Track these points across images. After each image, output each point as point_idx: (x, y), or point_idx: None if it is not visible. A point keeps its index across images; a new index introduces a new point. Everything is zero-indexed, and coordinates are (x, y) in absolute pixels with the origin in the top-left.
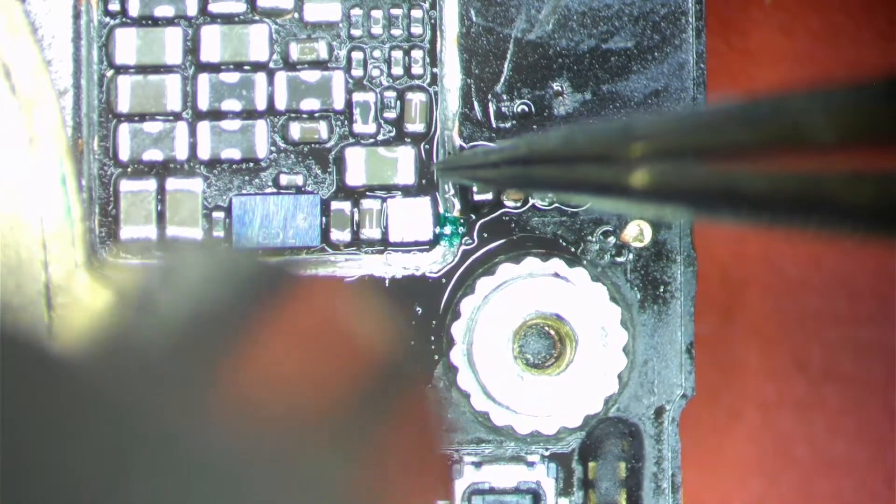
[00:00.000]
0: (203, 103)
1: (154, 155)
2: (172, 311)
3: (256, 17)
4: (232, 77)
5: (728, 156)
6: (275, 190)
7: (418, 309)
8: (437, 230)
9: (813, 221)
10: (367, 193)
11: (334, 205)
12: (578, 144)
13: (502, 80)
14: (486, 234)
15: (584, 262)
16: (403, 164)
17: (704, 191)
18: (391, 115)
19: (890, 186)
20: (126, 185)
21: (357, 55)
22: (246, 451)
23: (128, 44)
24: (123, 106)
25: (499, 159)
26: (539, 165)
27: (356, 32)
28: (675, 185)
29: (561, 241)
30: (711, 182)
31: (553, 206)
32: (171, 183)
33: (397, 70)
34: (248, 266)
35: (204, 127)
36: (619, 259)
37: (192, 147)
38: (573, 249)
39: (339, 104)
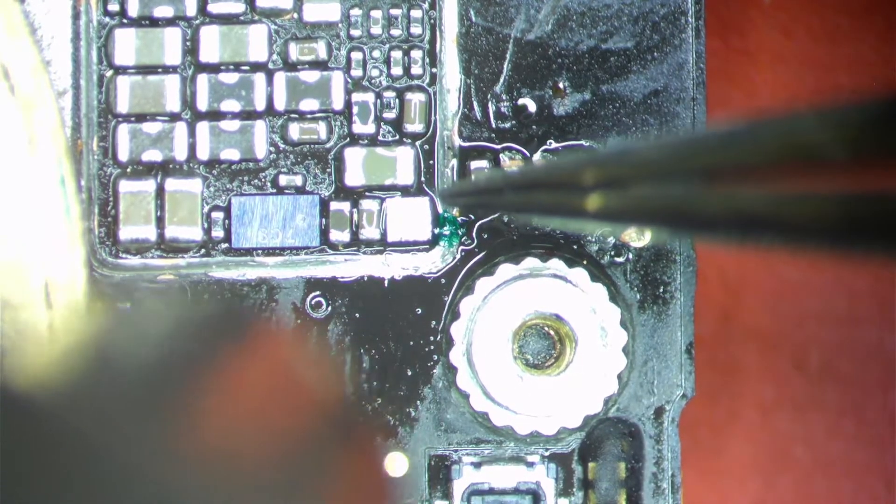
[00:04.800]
0: (202, 104)
1: (153, 155)
2: (134, 355)
3: (255, 18)
4: (231, 77)
5: (660, 180)
6: (274, 190)
7: (418, 309)
8: (436, 230)
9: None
10: (366, 193)
11: (333, 205)
12: (543, 174)
13: (502, 80)
14: (485, 235)
15: (584, 262)
16: (402, 164)
17: (655, 211)
18: (390, 115)
19: (828, 205)
20: (125, 186)
21: (356, 55)
22: (205, 489)
23: (127, 44)
24: (122, 106)
25: (487, 187)
26: (514, 192)
27: (355, 32)
28: (623, 207)
29: (561, 241)
30: (658, 202)
31: None
32: (171, 183)
33: (396, 70)
34: (206, 312)
35: (203, 127)
36: (618, 259)
37: (192, 147)
38: (573, 249)
39: (338, 104)
